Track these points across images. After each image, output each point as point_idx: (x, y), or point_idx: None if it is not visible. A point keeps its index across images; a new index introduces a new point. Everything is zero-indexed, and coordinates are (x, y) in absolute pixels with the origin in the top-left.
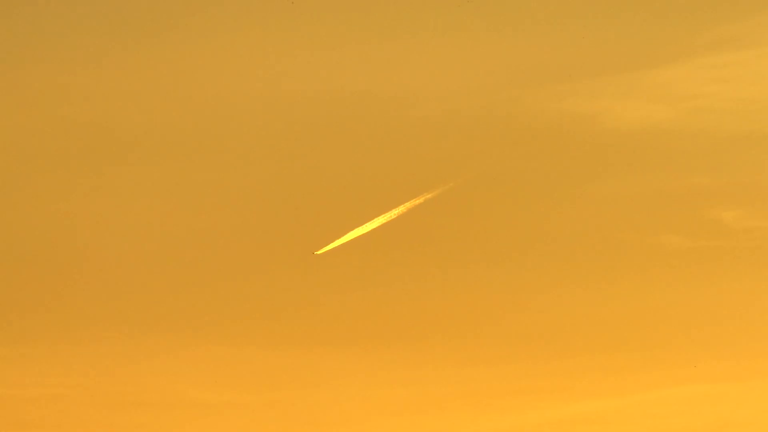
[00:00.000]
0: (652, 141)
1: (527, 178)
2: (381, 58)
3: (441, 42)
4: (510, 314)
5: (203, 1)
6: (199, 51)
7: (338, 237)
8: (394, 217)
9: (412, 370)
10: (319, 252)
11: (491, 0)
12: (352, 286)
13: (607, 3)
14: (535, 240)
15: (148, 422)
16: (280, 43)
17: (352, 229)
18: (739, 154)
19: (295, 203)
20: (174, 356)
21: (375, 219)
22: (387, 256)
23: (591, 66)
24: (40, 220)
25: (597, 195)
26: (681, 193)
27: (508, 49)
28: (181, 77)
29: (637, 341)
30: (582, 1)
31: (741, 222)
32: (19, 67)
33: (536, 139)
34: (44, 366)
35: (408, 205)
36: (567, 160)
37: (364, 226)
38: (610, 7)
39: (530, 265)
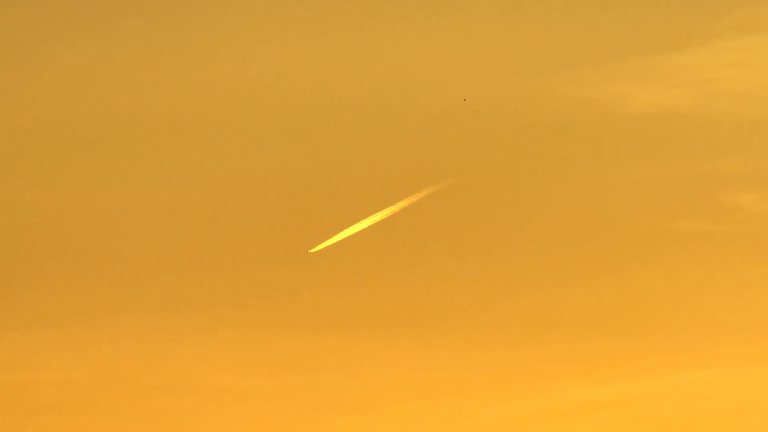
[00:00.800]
0: (670, 126)
1: (545, 164)
2: (391, 44)
3: (454, 27)
4: (529, 300)
5: None
6: (202, 42)
7: (354, 223)
8: (409, 203)
9: (430, 354)
10: (331, 241)
11: None
12: (373, 272)
13: None
14: (554, 225)
15: (164, 406)
16: (280, 30)
17: (368, 215)
18: (757, 138)
19: (312, 190)
20: (190, 341)
21: (395, 204)
22: (406, 242)
23: (609, 51)
24: (58, 207)
25: (615, 180)
26: (699, 177)
27: (524, 34)
28: (180, 68)
29: (656, 325)
30: None
31: (759, 206)
32: (26, 59)
33: (554, 125)
34: (62, 351)
35: (423, 191)
36: (585, 146)
37: (382, 212)
38: None
39: (549, 251)
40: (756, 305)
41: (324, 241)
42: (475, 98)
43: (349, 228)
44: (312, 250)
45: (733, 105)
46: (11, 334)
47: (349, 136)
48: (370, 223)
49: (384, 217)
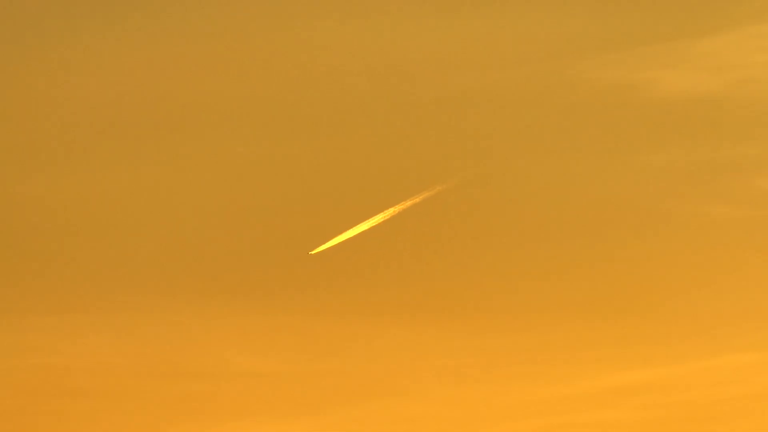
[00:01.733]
0: (699, 110)
1: (573, 149)
2: (417, 27)
3: (483, 11)
4: (561, 283)
5: None
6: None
7: (383, 209)
8: (437, 191)
9: (459, 339)
10: (361, 228)
11: None
12: (402, 259)
13: None
14: (581, 211)
15: (197, 391)
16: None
17: (398, 202)
18: None
19: (342, 175)
20: (222, 326)
21: (422, 192)
22: (436, 228)
23: (637, 35)
24: (93, 189)
25: (644, 165)
26: (728, 162)
27: (552, 17)
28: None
29: (686, 310)
30: None
31: None
32: (70, 37)
33: (582, 110)
34: (94, 335)
35: (450, 179)
36: (613, 131)
37: (411, 198)
38: None
39: (577, 236)
40: None
41: (352, 227)
42: (500, 84)
43: (378, 215)
44: (339, 238)
45: (763, 89)
46: (43, 319)
47: (376, 123)
48: (398, 210)
49: (412, 203)
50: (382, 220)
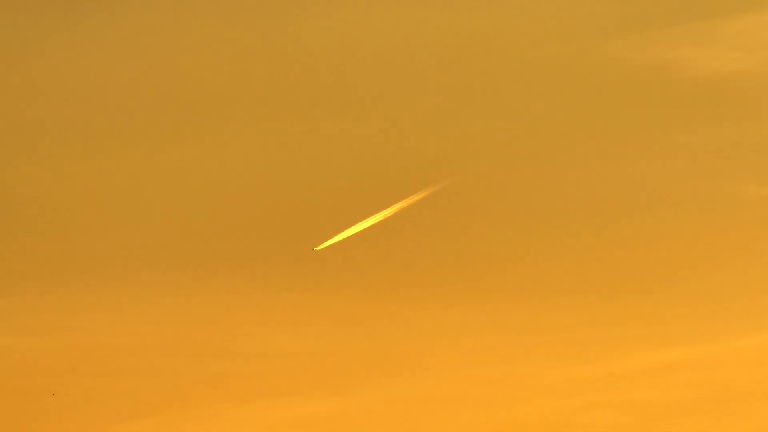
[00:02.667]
0: (730, 90)
1: (603, 128)
2: (452, 8)
3: None
4: (590, 262)
5: None
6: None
7: (417, 191)
8: (468, 173)
9: (491, 319)
10: (393, 209)
11: None
12: (429, 240)
13: None
14: (614, 191)
15: (228, 370)
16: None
17: (434, 182)
18: None
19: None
20: (262, 305)
21: (457, 172)
22: (464, 209)
23: (669, 14)
24: (123, 170)
25: (676, 145)
26: (760, 141)
27: None
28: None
29: (719, 288)
30: None
31: None
32: (113, 16)
33: (613, 89)
34: (134, 315)
35: (477, 164)
36: (644, 110)
37: (445, 180)
38: None
39: (607, 215)
40: None
41: (384, 209)
42: (531, 65)
43: (408, 198)
44: (366, 222)
45: None
46: (75, 299)
47: (408, 104)
48: (426, 194)
49: (445, 185)
50: (410, 203)
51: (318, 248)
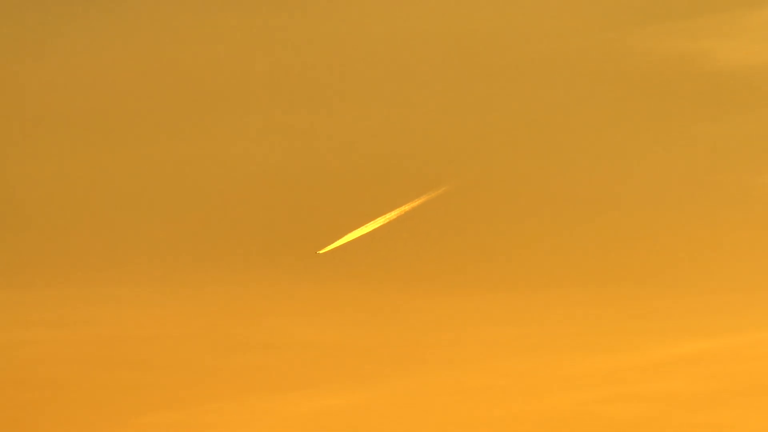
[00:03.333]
0: (752, 81)
1: (626, 119)
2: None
3: None
4: (617, 254)
5: None
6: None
7: (444, 179)
8: (494, 163)
9: (516, 309)
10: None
11: None
12: (455, 229)
13: None
14: (637, 182)
15: (256, 363)
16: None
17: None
18: None
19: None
20: (282, 296)
21: (479, 163)
22: (496, 199)
23: (691, 5)
24: (148, 161)
25: (698, 136)
26: None
27: None
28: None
29: (744, 279)
30: None
31: None
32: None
33: (636, 81)
34: (153, 307)
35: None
36: (667, 102)
37: (469, 169)
38: None
39: (630, 206)
40: None
41: (406, 203)
42: (554, 54)
43: (432, 190)
44: (392, 214)
45: None
46: (102, 290)
47: (428, 97)
48: (453, 183)
49: (466, 178)
50: (436, 194)
51: (338, 242)
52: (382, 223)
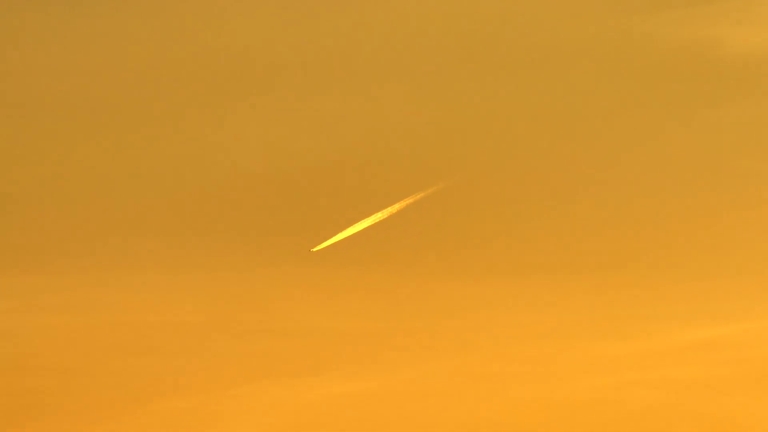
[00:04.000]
0: (765, 68)
1: (640, 105)
2: None
3: None
4: (633, 240)
5: None
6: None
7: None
8: (523, 151)
9: (538, 296)
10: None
11: None
12: (477, 215)
13: None
14: (651, 167)
15: (277, 350)
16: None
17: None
18: None
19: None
20: (302, 283)
21: (506, 152)
22: (527, 188)
23: None
24: (167, 146)
25: (715, 121)
26: None
27: None
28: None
29: (758, 265)
30: None
31: None
32: None
33: (653, 66)
34: (171, 293)
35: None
36: (684, 87)
37: (496, 154)
38: None
39: (645, 193)
40: None
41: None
42: (570, 41)
43: (451, 175)
44: (413, 198)
45: None
46: (120, 277)
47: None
48: (473, 169)
49: (488, 162)
50: (453, 180)
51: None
52: (393, 212)
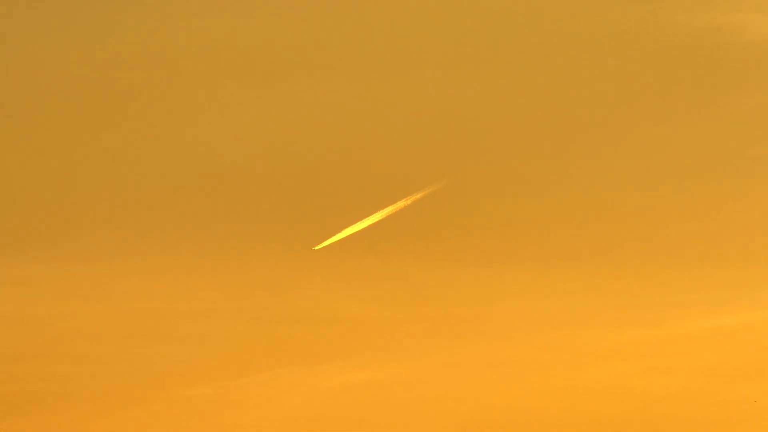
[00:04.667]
0: None
1: (661, 91)
2: None
3: None
4: (654, 228)
5: None
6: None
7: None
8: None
9: (557, 283)
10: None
11: None
12: (497, 204)
13: None
14: (670, 154)
15: (302, 336)
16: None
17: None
18: None
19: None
20: (328, 272)
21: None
22: (538, 178)
23: None
24: (190, 136)
25: (734, 107)
26: None
27: None
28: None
29: None
30: None
31: None
32: None
33: (670, 52)
34: (196, 280)
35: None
36: (705, 73)
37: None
38: None
39: (665, 180)
40: None
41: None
42: (591, 28)
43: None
44: (432, 188)
45: None
46: (146, 264)
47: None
48: (492, 160)
49: (507, 152)
50: (475, 169)
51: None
52: (411, 202)
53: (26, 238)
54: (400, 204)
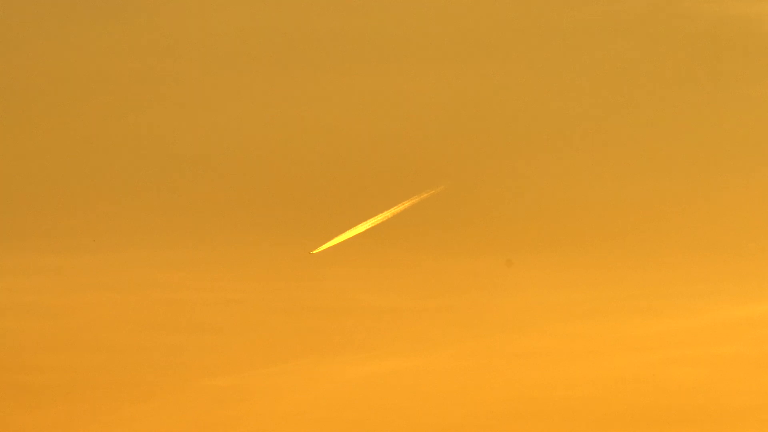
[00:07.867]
0: None
1: (684, 80)
2: None
3: None
4: (675, 217)
5: None
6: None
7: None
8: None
9: (578, 274)
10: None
11: None
12: (517, 196)
13: None
14: (690, 143)
15: (323, 327)
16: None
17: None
18: None
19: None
20: (348, 262)
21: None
22: (554, 168)
23: None
24: (212, 123)
25: (755, 97)
26: None
27: None
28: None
29: None
30: None
31: None
32: None
33: (694, 41)
34: (219, 270)
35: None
36: (725, 63)
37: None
38: None
39: (687, 169)
40: None
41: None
42: (610, 17)
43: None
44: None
45: None
46: (168, 254)
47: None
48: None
49: (530, 141)
50: (497, 159)
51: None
52: (436, 192)
53: (47, 230)
54: (424, 195)
